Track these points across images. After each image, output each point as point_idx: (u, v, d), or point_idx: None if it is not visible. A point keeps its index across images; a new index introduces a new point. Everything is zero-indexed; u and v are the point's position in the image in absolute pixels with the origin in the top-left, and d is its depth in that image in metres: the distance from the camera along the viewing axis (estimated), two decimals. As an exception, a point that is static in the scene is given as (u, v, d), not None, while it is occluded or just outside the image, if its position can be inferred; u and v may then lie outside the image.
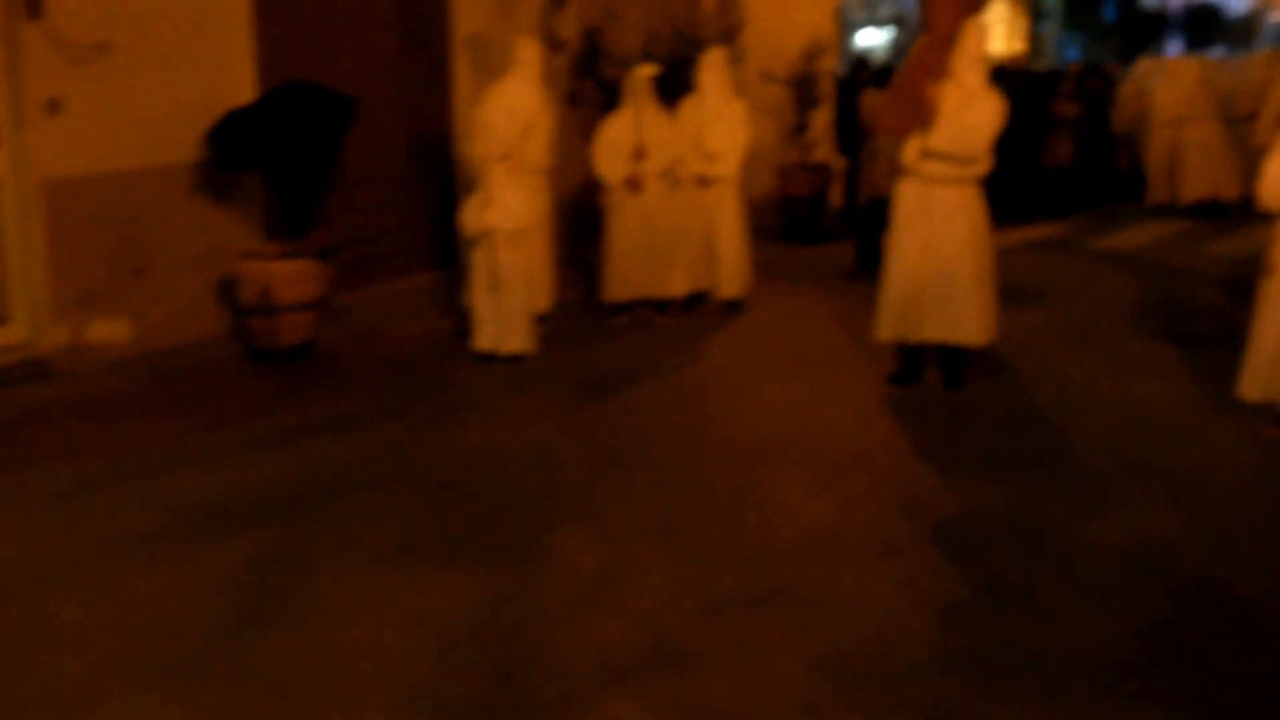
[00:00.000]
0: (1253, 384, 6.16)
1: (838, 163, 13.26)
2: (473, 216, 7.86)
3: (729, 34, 11.78)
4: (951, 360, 7.25)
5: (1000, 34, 20.98)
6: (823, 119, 13.49)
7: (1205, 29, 24.39)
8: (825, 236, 12.75)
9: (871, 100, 10.49)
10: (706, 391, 7.40)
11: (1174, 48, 23.54)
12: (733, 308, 9.40)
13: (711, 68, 9.18)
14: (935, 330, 7.07)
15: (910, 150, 6.96)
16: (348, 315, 8.69)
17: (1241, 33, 27.27)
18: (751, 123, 9.31)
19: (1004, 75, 15.44)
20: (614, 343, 8.56)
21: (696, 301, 9.39)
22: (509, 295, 7.82)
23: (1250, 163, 13.77)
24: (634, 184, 8.82)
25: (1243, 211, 13.56)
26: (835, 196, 13.42)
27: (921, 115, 6.77)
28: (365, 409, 7.01)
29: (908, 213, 7.03)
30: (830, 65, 13.71)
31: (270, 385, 7.51)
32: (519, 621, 4.46)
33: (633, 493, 5.71)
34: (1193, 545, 5.07)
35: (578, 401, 7.18)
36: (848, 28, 18.59)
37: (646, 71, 8.98)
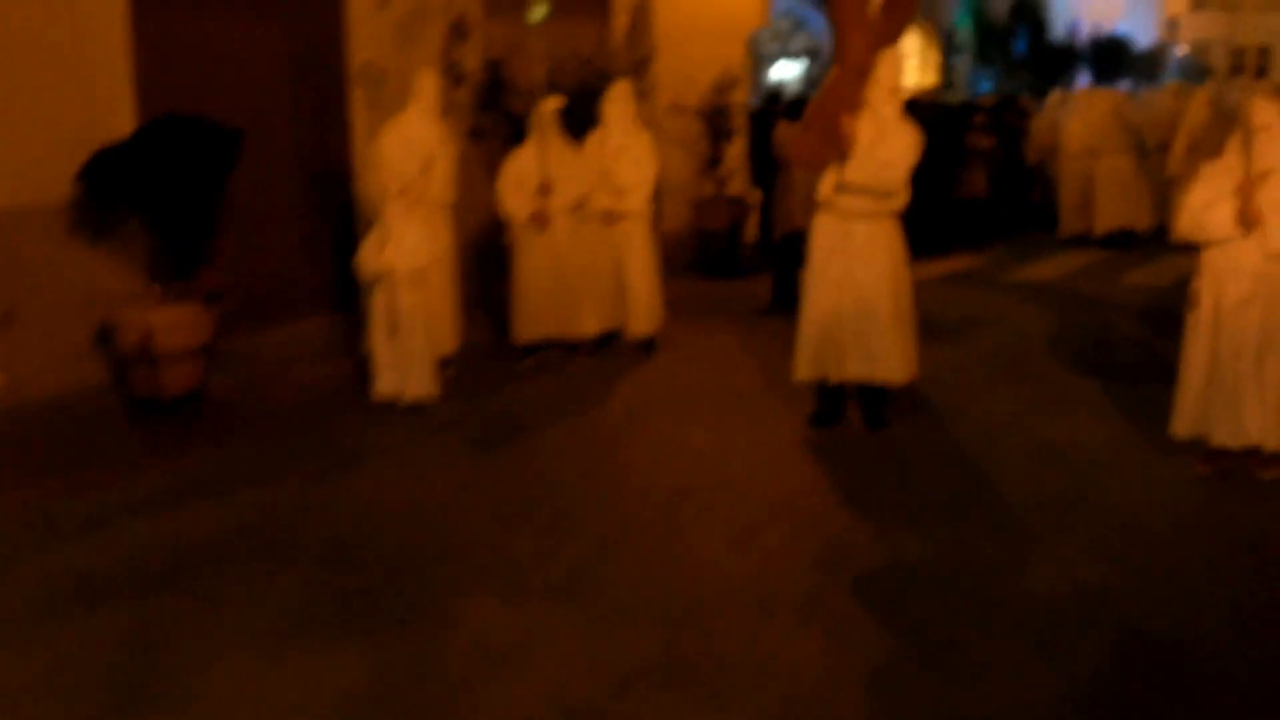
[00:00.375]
0: (1182, 420, 5.96)
1: (753, 196, 13.05)
2: (370, 256, 7.48)
3: (638, 65, 11.52)
4: (872, 400, 6.98)
5: (913, 67, 21.03)
6: (736, 152, 13.29)
7: (1113, 62, 24.73)
8: (741, 271, 12.54)
9: (785, 133, 10.29)
10: (620, 437, 7.05)
11: (1083, 80, 23.80)
12: (646, 347, 9.09)
13: (617, 100, 8.89)
14: (855, 369, 6.80)
15: (826, 184, 6.70)
16: (238, 362, 8.21)
17: (1148, 65, 27.79)
18: (659, 155, 9.04)
19: (917, 108, 15.39)
20: (523, 386, 8.20)
21: (608, 341, 9.06)
22: (410, 339, 7.47)
23: (1162, 194, 13.84)
24: (540, 220, 8.49)
25: (1156, 242, 13.61)
26: (751, 230, 13.21)
27: (836, 148, 6.51)
28: (254, 464, 6.56)
29: (824, 248, 6.77)
30: (743, 97, 13.52)
31: (151, 440, 7.02)
32: (416, 697, 4.07)
33: (541, 550, 5.34)
34: (1129, 591, 4.83)
35: (483, 451, 6.79)
36: (761, 60, 18.48)
37: (552, 104, 8.67)
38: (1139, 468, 6.21)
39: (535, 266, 8.60)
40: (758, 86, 17.64)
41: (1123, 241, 13.85)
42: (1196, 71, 29.73)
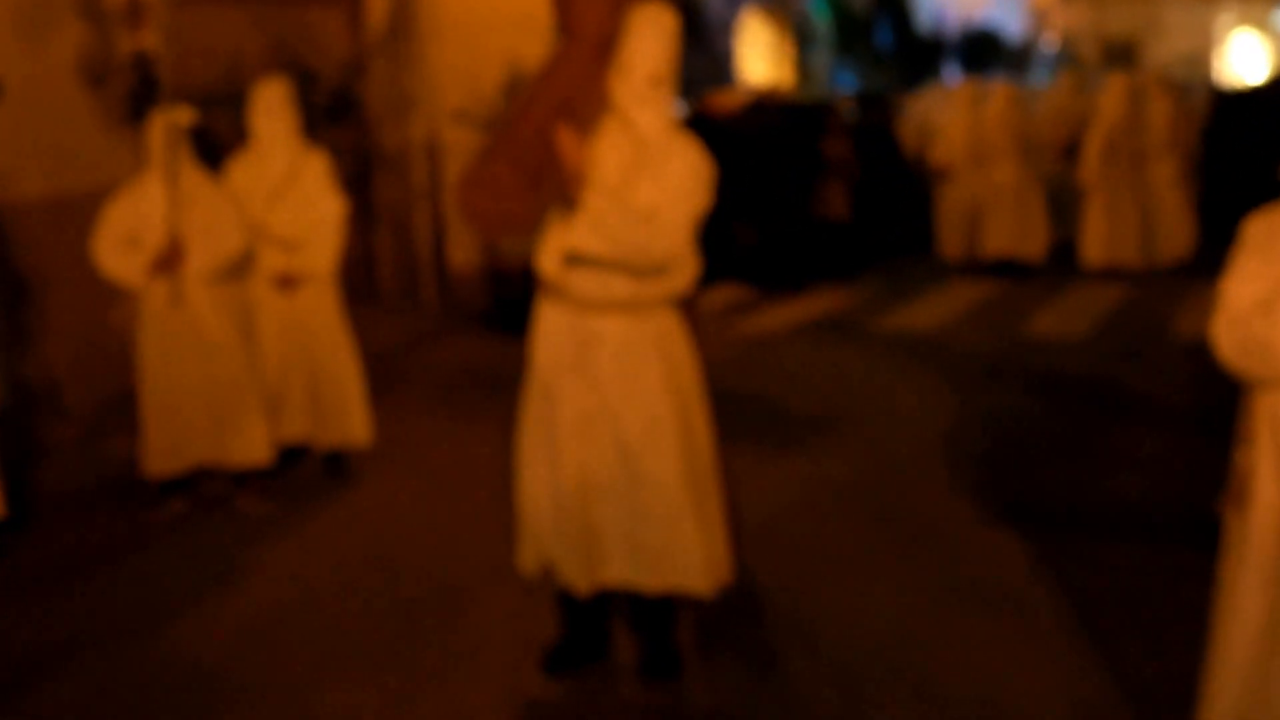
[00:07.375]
0: (1220, 713, 3.07)
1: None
2: None
3: (353, 71, 8.59)
4: (654, 621, 4.02)
5: (763, 60, 18.29)
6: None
7: (984, 55, 22.51)
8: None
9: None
10: (238, 692, 4.01)
11: (952, 75, 21.44)
12: (337, 468, 6.15)
13: (268, 112, 5.85)
14: (621, 570, 3.84)
15: (549, 253, 3.76)
16: None
17: (1018, 59, 25.86)
18: (338, 189, 6.01)
19: (765, 111, 12.60)
20: (150, 553, 5.20)
21: (296, 459, 6.12)
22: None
23: (1062, 210, 11.23)
24: (173, 295, 5.46)
25: (1056, 269, 11.02)
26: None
27: (554, 190, 3.55)
28: None
29: (552, 363, 3.81)
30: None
31: None
32: None
33: None
34: None
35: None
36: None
37: (181, 117, 5.58)
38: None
39: (170, 362, 5.55)
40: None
41: (1017, 270, 11.17)
42: (1068, 63, 28.08)
